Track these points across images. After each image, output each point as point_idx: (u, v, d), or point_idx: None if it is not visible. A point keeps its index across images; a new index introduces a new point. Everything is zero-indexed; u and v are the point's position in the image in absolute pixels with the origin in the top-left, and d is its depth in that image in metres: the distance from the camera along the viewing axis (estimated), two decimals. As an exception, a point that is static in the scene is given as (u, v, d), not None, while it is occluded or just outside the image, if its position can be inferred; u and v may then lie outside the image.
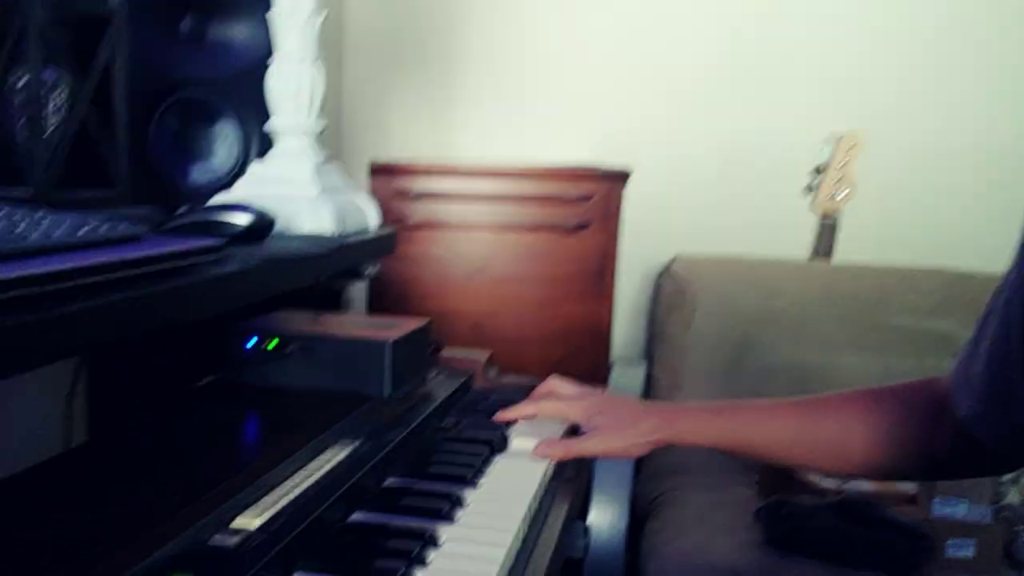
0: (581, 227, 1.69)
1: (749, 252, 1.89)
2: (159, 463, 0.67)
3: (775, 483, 1.42)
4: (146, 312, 0.49)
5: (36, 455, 0.68)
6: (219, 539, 0.54)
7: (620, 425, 0.83)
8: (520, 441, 0.86)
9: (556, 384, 0.92)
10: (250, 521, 0.56)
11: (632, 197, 1.72)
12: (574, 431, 0.89)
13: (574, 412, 0.87)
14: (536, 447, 0.83)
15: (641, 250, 1.95)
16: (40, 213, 0.56)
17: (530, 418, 0.91)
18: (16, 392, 0.94)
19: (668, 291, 1.87)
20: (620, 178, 1.70)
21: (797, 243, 1.77)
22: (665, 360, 1.82)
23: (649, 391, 1.81)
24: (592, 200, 1.69)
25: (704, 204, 1.98)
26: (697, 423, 0.83)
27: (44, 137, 0.76)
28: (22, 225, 0.50)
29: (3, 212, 0.54)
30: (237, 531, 0.55)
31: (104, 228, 0.54)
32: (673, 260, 1.90)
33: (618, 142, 1.96)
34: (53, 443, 0.93)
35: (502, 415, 0.90)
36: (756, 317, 1.77)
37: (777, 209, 1.90)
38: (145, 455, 0.69)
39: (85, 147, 0.82)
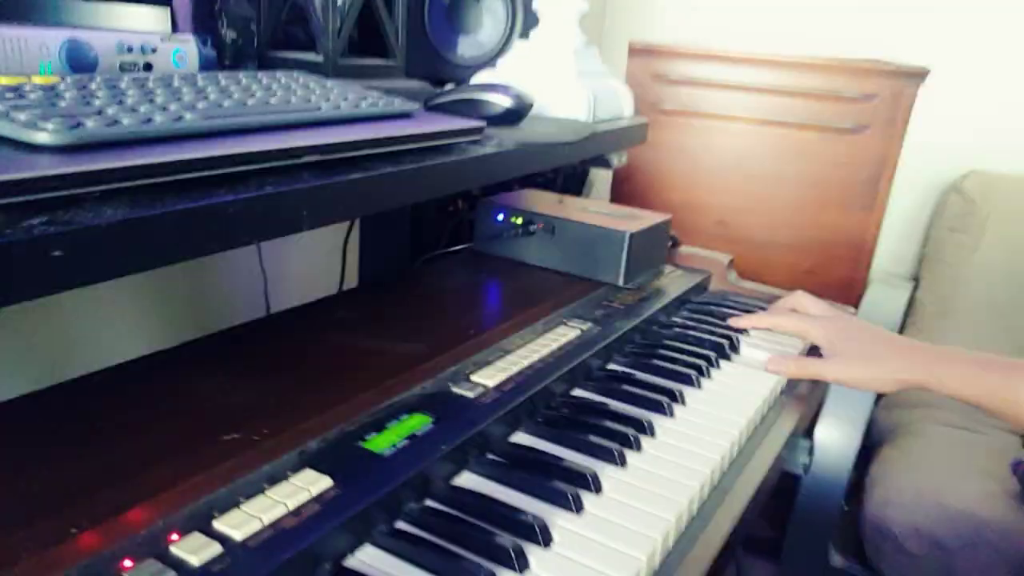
0: (859, 129, 1.53)
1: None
2: (413, 313, 0.75)
3: (1046, 439, 1.25)
4: (413, 184, 0.54)
5: (316, 292, 0.79)
6: (460, 390, 0.60)
7: (867, 355, 0.76)
8: (751, 351, 0.84)
9: (802, 299, 0.86)
10: (487, 379, 0.62)
11: (925, 98, 1.51)
12: (813, 353, 0.84)
13: (817, 332, 0.80)
14: (769, 360, 0.80)
15: (926, 160, 1.73)
16: (330, 84, 0.62)
17: (767, 329, 0.87)
18: (306, 236, 1.09)
19: (954, 209, 1.66)
20: (914, 77, 1.49)
21: None
22: (936, 286, 1.64)
23: (908, 317, 1.65)
24: (876, 100, 1.51)
25: (1009, 115, 1.69)
26: (962, 372, 0.73)
27: (335, 8, 0.84)
28: (315, 95, 0.57)
29: (300, 82, 0.61)
30: (475, 385, 0.61)
31: (382, 103, 0.59)
32: (966, 175, 1.66)
33: (913, 34, 1.71)
34: (330, 285, 1.08)
35: (737, 321, 0.87)
36: (1061, 250, 1.52)
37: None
38: (402, 304, 0.78)
39: (370, 18, 0.89)
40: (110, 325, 0.84)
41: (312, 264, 1.12)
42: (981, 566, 1.14)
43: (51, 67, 0.59)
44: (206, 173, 0.40)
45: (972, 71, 1.68)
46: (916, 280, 1.72)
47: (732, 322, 0.87)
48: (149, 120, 0.40)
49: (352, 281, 1.10)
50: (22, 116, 0.36)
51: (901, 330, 1.63)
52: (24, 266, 0.31)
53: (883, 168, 1.54)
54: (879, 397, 1.57)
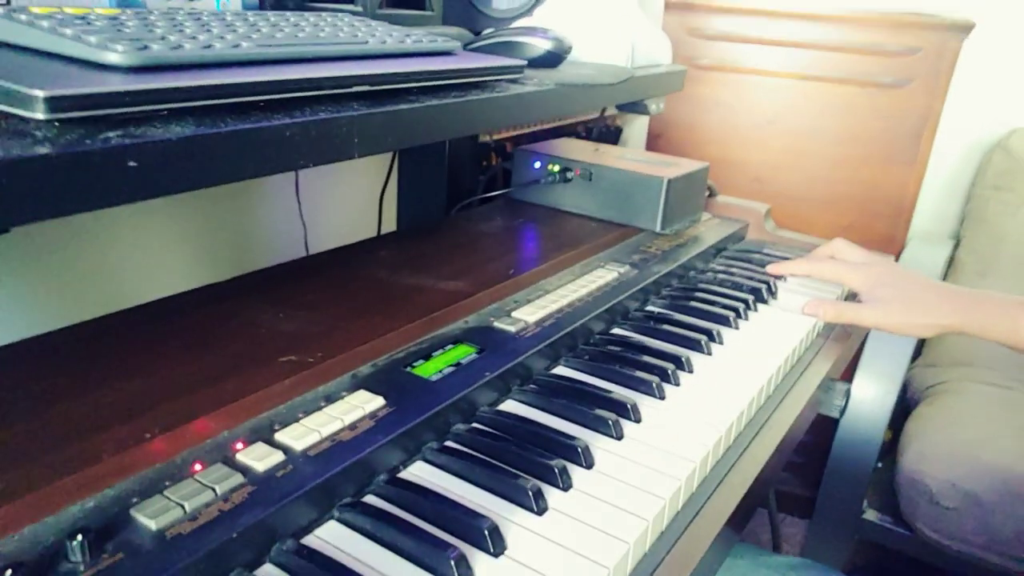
0: (901, 83, 1.50)
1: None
2: (453, 255, 0.77)
3: (1087, 395, 1.24)
4: (456, 118, 0.55)
5: (357, 235, 0.81)
6: (502, 324, 0.62)
7: (906, 300, 0.75)
8: (789, 296, 0.84)
9: (841, 246, 0.85)
10: (528, 315, 0.64)
11: (969, 54, 1.47)
12: (851, 300, 0.84)
13: (856, 279, 0.79)
14: (807, 304, 0.80)
15: (970, 116, 1.69)
16: (374, 23, 0.63)
17: (805, 276, 0.87)
18: (344, 183, 1.11)
19: (998, 167, 1.62)
20: (959, 30, 1.46)
21: None
22: (977, 244, 1.61)
23: (948, 276, 1.63)
24: (919, 54, 1.48)
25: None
26: (1002, 315, 0.71)
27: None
28: (361, 31, 0.58)
29: (346, 20, 0.62)
30: (516, 321, 0.63)
31: (426, 40, 0.60)
32: (1013, 132, 1.62)
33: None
34: (368, 235, 1.10)
35: (775, 268, 0.87)
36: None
37: None
38: (442, 247, 0.79)
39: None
40: (155, 263, 0.87)
41: (350, 214, 1.14)
42: (1018, 520, 1.14)
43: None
44: (264, 97, 0.42)
45: (1018, 25, 1.63)
46: (957, 239, 1.69)
47: (770, 269, 0.87)
48: (209, 46, 0.42)
49: (390, 230, 1.11)
50: (92, 39, 0.38)
51: (940, 289, 1.61)
52: (103, 175, 0.33)
53: (925, 124, 1.51)
54: (917, 353, 1.57)
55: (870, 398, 1.31)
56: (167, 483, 0.40)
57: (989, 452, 1.19)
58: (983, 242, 1.61)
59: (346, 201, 1.12)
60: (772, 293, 0.85)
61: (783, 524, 1.68)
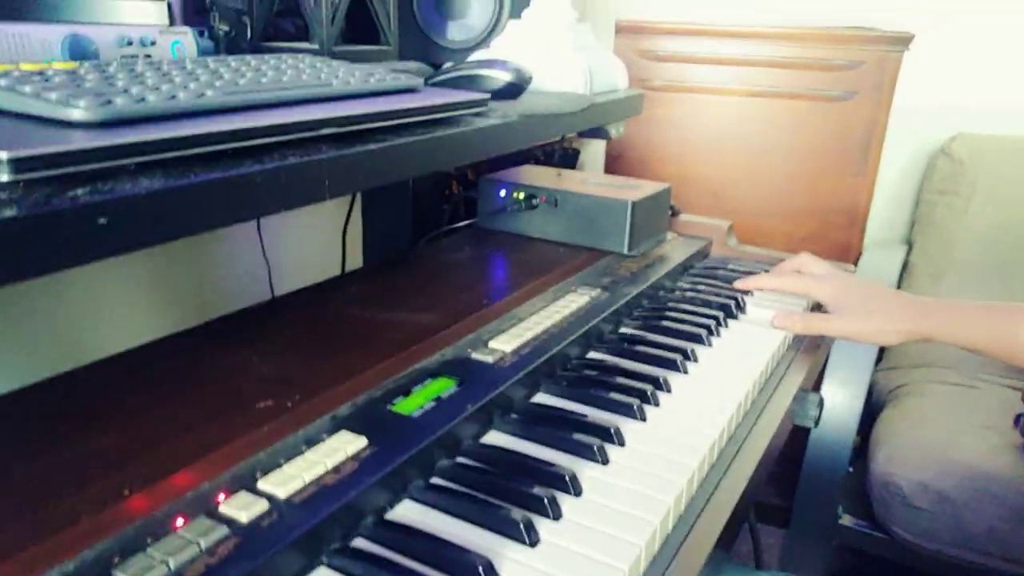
0: (847, 96, 1.55)
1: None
2: (424, 288, 0.77)
3: (1045, 389, 1.28)
4: (425, 155, 0.55)
5: (320, 277, 0.81)
6: (479, 355, 0.62)
7: (871, 309, 0.77)
8: (757, 311, 0.86)
9: (806, 260, 0.87)
10: (505, 345, 0.64)
11: (910, 64, 1.53)
12: (818, 311, 0.86)
13: (823, 290, 0.81)
14: (775, 316, 0.81)
15: (914, 125, 1.75)
16: (335, 63, 0.63)
17: (772, 290, 0.88)
18: (306, 220, 1.10)
19: (943, 172, 1.68)
20: (899, 42, 1.51)
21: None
22: (929, 248, 1.66)
23: (903, 280, 1.67)
24: (863, 67, 1.53)
25: (993, 77, 1.71)
26: (964, 319, 0.74)
27: (328, -2, 0.85)
28: (324, 73, 0.58)
29: (307, 62, 0.62)
30: (493, 351, 0.63)
31: (389, 78, 0.60)
32: (954, 138, 1.68)
33: (898, 2, 1.72)
34: (333, 270, 1.09)
35: (743, 283, 0.88)
36: (1049, 208, 1.54)
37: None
38: (413, 280, 0.79)
39: (358, 6, 0.90)
40: (114, 314, 0.85)
41: (314, 250, 1.13)
42: (987, 517, 1.16)
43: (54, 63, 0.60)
44: (232, 145, 0.41)
45: (955, 35, 1.70)
46: (909, 244, 1.74)
47: (738, 284, 0.88)
48: (173, 97, 0.41)
49: (355, 265, 1.11)
50: (53, 95, 0.37)
51: (897, 293, 1.65)
52: (73, 233, 0.32)
53: (872, 134, 1.56)
54: (880, 358, 1.60)
55: (838, 404, 1.33)
56: (149, 540, 0.39)
57: (955, 451, 1.22)
58: (934, 245, 1.66)
59: (309, 238, 1.11)
60: (741, 308, 0.86)
61: (764, 535, 1.69)
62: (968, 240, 1.61)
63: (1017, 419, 1.24)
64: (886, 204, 1.83)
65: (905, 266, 1.69)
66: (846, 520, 1.36)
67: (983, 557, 1.18)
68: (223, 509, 0.42)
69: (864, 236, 1.64)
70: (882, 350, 1.61)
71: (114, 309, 0.85)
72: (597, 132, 0.91)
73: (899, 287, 1.66)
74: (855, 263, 1.60)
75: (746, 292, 0.89)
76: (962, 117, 1.73)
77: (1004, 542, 1.15)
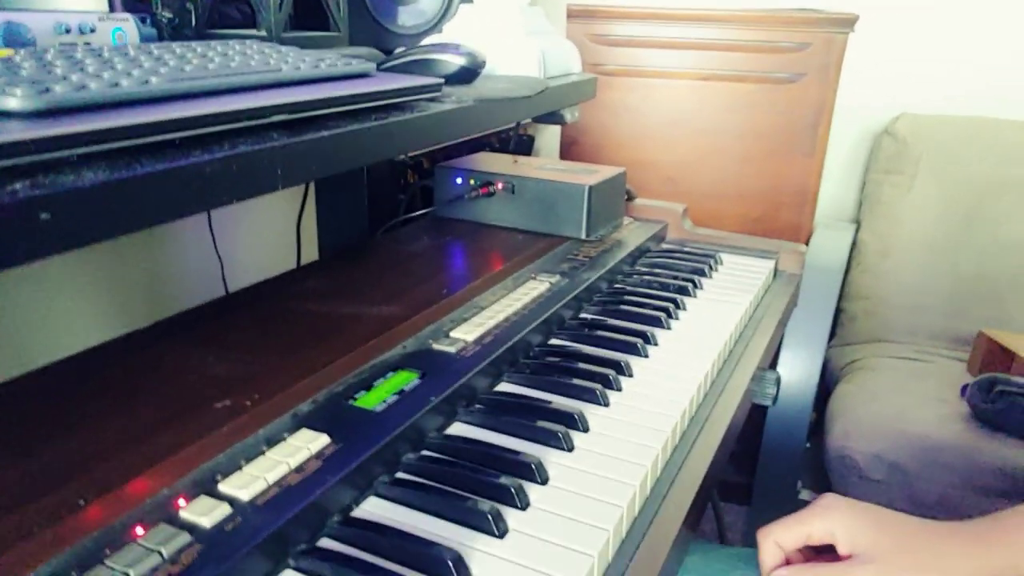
0: (795, 78, 1.57)
1: (986, 114, 1.67)
2: (382, 279, 0.75)
3: (989, 359, 1.32)
4: (379, 141, 0.54)
5: (275, 271, 0.79)
6: (441, 346, 0.61)
7: (915, 556, 0.54)
8: (716, 291, 0.87)
9: (837, 522, 0.57)
10: (466, 334, 0.63)
11: (855, 46, 1.56)
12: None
13: (838, 530, 0.56)
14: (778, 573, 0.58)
15: (860, 106, 1.79)
16: (284, 49, 0.61)
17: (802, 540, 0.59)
18: (259, 213, 1.07)
19: (888, 152, 1.72)
20: (844, 23, 1.54)
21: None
22: (876, 226, 1.70)
23: (853, 258, 1.71)
24: (809, 48, 1.55)
25: (937, 58, 1.75)
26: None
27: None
28: (273, 58, 0.56)
29: (255, 48, 0.60)
30: (455, 341, 0.62)
31: (340, 64, 0.59)
32: (897, 118, 1.72)
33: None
34: (288, 264, 1.07)
35: (764, 541, 0.60)
36: (988, 185, 1.59)
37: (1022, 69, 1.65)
38: (370, 271, 0.78)
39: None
40: (64, 316, 0.82)
41: (268, 243, 1.11)
42: (939, 485, 1.20)
43: (-12, 51, 0.57)
44: (180, 134, 0.40)
45: (897, 17, 1.74)
46: (858, 222, 1.78)
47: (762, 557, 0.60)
48: (116, 84, 0.40)
49: (311, 258, 1.09)
50: (-14, 85, 0.35)
51: (847, 272, 1.69)
52: (14, 229, 0.31)
53: (820, 115, 1.58)
54: (832, 334, 1.64)
55: (795, 381, 1.36)
56: (108, 551, 0.37)
57: (907, 422, 1.25)
58: (881, 224, 1.70)
59: (263, 231, 1.09)
60: (699, 287, 0.87)
61: (727, 513, 1.72)
62: (914, 217, 1.65)
63: (963, 389, 1.28)
64: (835, 184, 1.87)
65: (854, 244, 1.72)
66: (805, 495, 1.39)
67: (935, 524, 1.22)
68: (184, 515, 0.40)
69: (814, 216, 1.67)
70: (835, 324, 1.65)
71: (61, 310, 0.82)
72: (552, 117, 0.90)
73: (849, 265, 1.70)
74: (806, 243, 1.63)
75: (703, 263, 0.87)
76: (905, 97, 1.77)
77: (955, 509, 1.19)
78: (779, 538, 0.59)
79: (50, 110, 0.35)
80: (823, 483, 1.35)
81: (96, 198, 0.34)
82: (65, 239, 0.33)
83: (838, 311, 1.67)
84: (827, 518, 0.56)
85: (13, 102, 0.34)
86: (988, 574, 0.52)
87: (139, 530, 0.39)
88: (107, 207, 0.35)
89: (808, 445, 1.41)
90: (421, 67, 0.73)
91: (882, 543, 0.54)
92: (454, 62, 0.72)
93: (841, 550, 0.56)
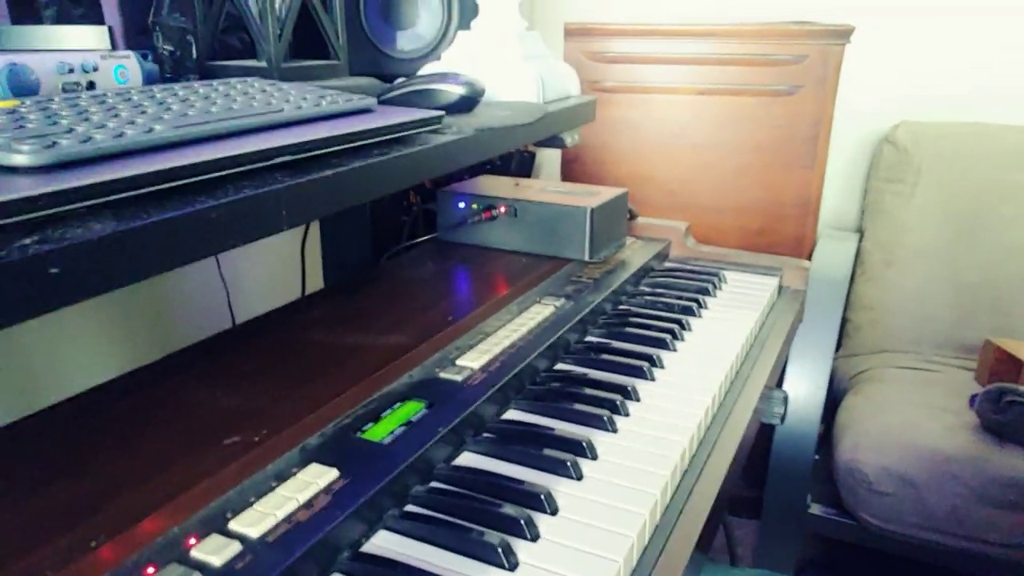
0: (793, 90, 1.58)
1: (985, 119, 1.67)
2: (388, 306, 0.76)
3: (997, 368, 1.32)
4: (383, 176, 0.55)
5: (280, 300, 0.79)
6: (447, 374, 0.61)
7: None
8: (721, 310, 0.87)
9: None
10: (472, 362, 0.63)
11: (853, 57, 1.56)
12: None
13: None
14: None
15: (859, 116, 1.79)
16: (285, 86, 0.62)
17: None
18: (260, 246, 1.08)
19: (889, 160, 1.72)
20: (841, 35, 1.55)
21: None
22: (880, 235, 1.70)
23: (857, 268, 1.71)
24: (806, 60, 1.56)
25: (935, 66, 1.76)
26: None
27: (274, 14, 0.84)
28: (274, 98, 0.57)
29: (256, 87, 0.61)
30: (461, 369, 0.62)
31: (341, 100, 0.59)
32: (897, 126, 1.73)
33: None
34: (293, 292, 1.08)
35: None
36: (990, 191, 1.59)
37: (1022, 71, 1.65)
38: (376, 299, 0.78)
39: (309, 21, 0.89)
40: (72, 350, 0.83)
41: (273, 272, 1.12)
42: (949, 497, 1.20)
43: (-7, 94, 0.58)
44: (185, 181, 0.40)
45: (894, 27, 1.75)
46: (861, 232, 1.78)
47: None
48: (121, 134, 0.40)
49: (316, 286, 1.09)
50: (-5, 139, 0.36)
51: (852, 281, 1.69)
52: (24, 285, 0.31)
53: (819, 126, 1.59)
54: (839, 345, 1.63)
55: (802, 394, 1.35)
56: (119, 596, 0.38)
57: (916, 434, 1.25)
58: (884, 233, 1.70)
59: (268, 259, 1.09)
60: (704, 307, 0.87)
61: (736, 527, 1.71)
62: (917, 225, 1.65)
63: (972, 399, 1.28)
64: (836, 194, 1.87)
65: (858, 254, 1.72)
66: (815, 509, 1.38)
67: (946, 537, 1.21)
68: (195, 554, 0.41)
69: (817, 227, 1.67)
70: (841, 335, 1.65)
71: (70, 347, 0.83)
72: (552, 141, 0.91)
73: (853, 275, 1.70)
74: (809, 254, 1.63)
75: (701, 289, 0.88)
76: (904, 106, 1.78)
77: (965, 521, 1.18)
78: None
79: (57, 164, 0.36)
80: (832, 495, 1.34)
81: (104, 249, 0.34)
82: (74, 292, 0.33)
83: (844, 321, 1.67)
84: None
85: (20, 158, 0.35)
86: None
87: (151, 570, 0.39)
88: (115, 257, 0.35)
89: (817, 457, 1.41)
90: (421, 97, 0.73)
91: None
92: (454, 92, 0.73)
93: None
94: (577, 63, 1.65)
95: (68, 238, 0.33)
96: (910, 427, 1.27)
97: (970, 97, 1.74)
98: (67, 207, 0.34)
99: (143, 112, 0.45)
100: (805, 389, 1.37)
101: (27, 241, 0.32)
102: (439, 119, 0.63)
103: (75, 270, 0.33)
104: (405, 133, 0.59)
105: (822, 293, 1.53)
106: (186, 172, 0.40)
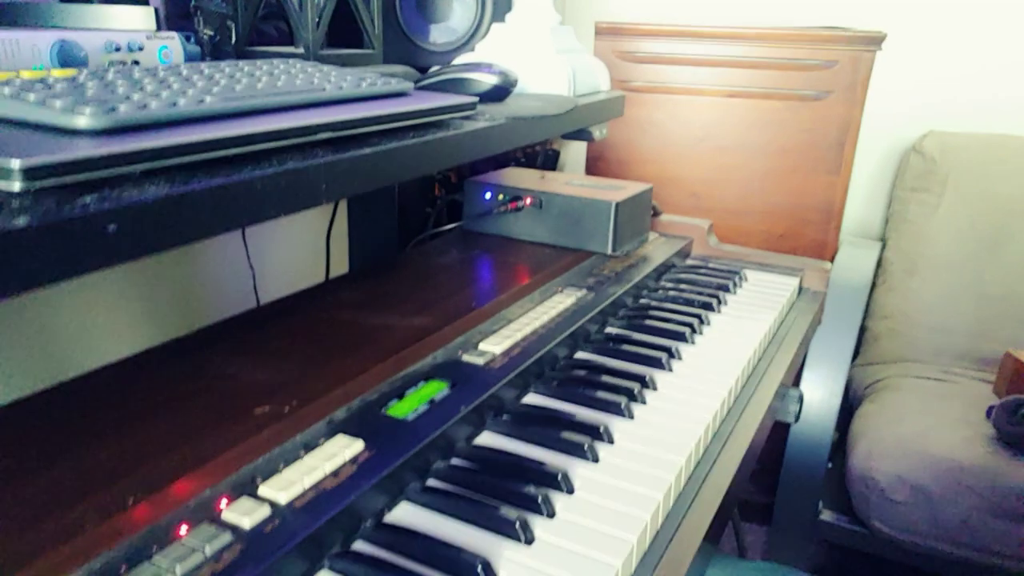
0: (822, 96, 1.58)
1: (1015, 132, 1.66)
2: (413, 291, 0.77)
3: (1015, 381, 1.31)
4: (418, 158, 0.56)
5: (305, 284, 0.81)
6: (470, 357, 0.63)
7: None
8: (739, 307, 0.87)
9: None
10: (495, 346, 0.65)
11: (882, 64, 1.56)
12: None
13: None
14: None
15: (887, 123, 1.79)
16: (326, 68, 0.64)
17: None
18: (290, 225, 1.10)
19: (915, 170, 1.71)
20: (872, 42, 1.54)
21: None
22: (902, 244, 1.70)
23: (878, 276, 1.71)
24: (836, 66, 1.56)
25: (965, 76, 1.75)
26: None
27: (313, 1, 0.86)
28: (316, 78, 0.58)
29: (298, 67, 0.62)
30: (484, 352, 0.64)
31: (380, 83, 0.61)
32: (925, 136, 1.72)
33: (870, 1, 1.76)
34: (318, 276, 1.10)
35: None
36: (1016, 204, 1.58)
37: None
38: (402, 283, 0.80)
39: (346, 11, 0.91)
40: (102, 326, 0.85)
41: (299, 256, 1.14)
42: (963, 508, 1.19)
43: (43, 68, 0.60)
44: (234, 151, 0.42)
45: (925, 35, 1.74)
46: (884, 240, 1.78)
47: None
48: (175, 104, 0.42)
49: (340, 271, 1.11)
50: (58, 103, 0.38)
51: (872, 290, 1.69)
52: (84, 241, 0.33)
53: (847, 133, 1.59)
54: (856, 353, 1.63)
55: (817, 400, 1.36)
56: (155, 548, 0.39)
57: (931, 444, 1.24)
58: (907, 242, 1.70)
59: (294, 244, 1.11)
60: (723, 304, 0.88)
61: (747, 532, 1.71)
62: (940, 236, 1.65)
63: (989, 411, 1.27)
64: (860, 202, 1.86)
65: (880, 263, 1.72)
66: (826, 515, 1.39)
67: (958, 548, 1.21)
68: (226, 516, 0.42)
69: (839, 233, 1.67)
70: (859, 343, 1.64)
71: (99, 321, 0.85)
72: (581, 134, 0.92)
73: (874, 283, 1.69)
74: (831, 260, 1.63)
75: (721, 286, 0.87)
76: (933, 115, 1.77)
77: (978, 533, 1.18)
78: None
79: (116, 128, 0.38)
80: (844, 503, 1.34)
81: (157, 212, 0.36)
82: (130, 249, 0.35)
83: (862, 329, 1.67)
84: None
85: (83, 120, 0.37)
86: None
87: (184, 528, 0.41)
88: (167, 220, 0.37)
89: (830, 465, 1.41)
90: (455, 85, 0.75)
91: None
92: (487, 81, 0.74)
93: None
94: (606, 62, 1.66)
95: (125, 198, 0.35)
96: (925, 437, 1.27)
97: (1000, 108, 1.73)
98: (125, 169, 0.36)
99: (193, 86, 0.47)
100: (820, 395, 1.37)
101: (87, 200, 0.34)
102: (473, 105, 0.64)
103: (131, 229, 0.35)
104: (440, 117, 0.60)
105: (842, 300, 1.53)
106: (235, 142, 0.41)
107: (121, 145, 0.36)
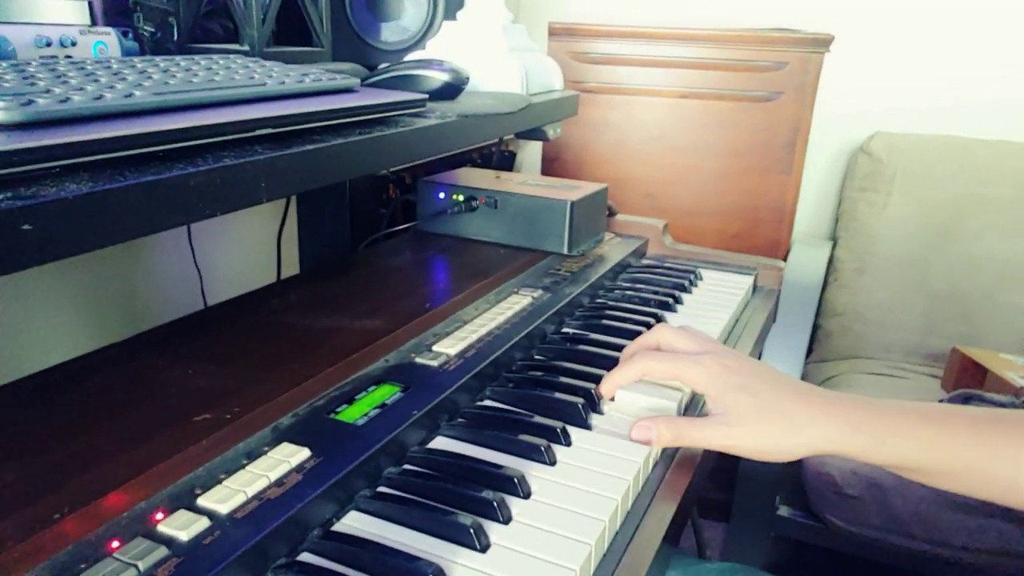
0: (772, 97, 1.60)
1: (959, 133, 1.71)
2: (365, 292, 0.75)
3: (962, 375, 1.34)
4: (363, 155, 0.54)
5: (255, 286, 0.78)
6: (423, 359, 0.61)
7: (769, 412, 0.56)
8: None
9: (666, 334, 0.63)
10: (449, 348, 0.63)
11: (831, 66, 1.59)
12: (691, 411, 0.66)
13: (700, 376, 0.58)
14: (634, 427, 0.58)
15: (836, 125, 1.82)
16: (268, 64, 0.62)
17: (633, 382, 0.63)
18: (239, 226, 1.07)
19: (863, 170, 1.74)
20: (820, 44, 1.57)
21: (1017, 127, 1.56)
22: (852, 243, 1.73)
23: (829, 275, 1.73)
24: (786, 68, 1.58)
25: (911, 77, 1.79)
26: (892, 427, 0.55)
27: (258, -1, 0.83)
28: (257, 73, 0.56)
29: (239, 62, 0.60)
30: (438, 355, 0.62)
31: (324, 78, 0.59)
32: (872, 136, 1.75)
33: (818, 4, 1.79)
34: (268, 278, 1.07)
35: (604, 385, 0.63)
36: (961, 203, 1.62)
37: (996, 87, 1.69)
38: (353, 285, 0.78)
39: (292, 8, 0.89)
40: (42, 329, 0.81)
41: (248, 257, 1.11)
42: (913, 501, 1.22)
43: (-33, 62, 0.57)
44: (164, 147, 0.40)
45: (872, 39, 1.78)
46: (834, 239, 1.81)
47: (599, 389, 0.63)
48: (100, 97, 0.40)
49: (291, 272, 1.08)
50: (-32, 95, 0.35)
51: (824, 287, 1.71)
52: (-6, 240, 0.31)
53: (797, 133, 1.61)
54: (810, 350, 1.65)
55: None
56: (83, 565, 0.37)
57: (884, 437, 1.26)
58: (857, 241, 1.73)
59: (243, 245, 1.08)
60: (680, 302, 0.87)
61: (706, 530, 1.72)
62: (889, 234, 1.68)
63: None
64: (811, 202, 1.89)
65: (831, 261, 1.75)
66: (783, 511, 1.40)
67: (911, 540, 1.23)
68: (162, 528, 0.40)
69: (792, 233, 1.69)
70: (812, 340, 1.67)
71: (39, 323, 0.82)
72: (535, 133, 0.91)
73: (826, 282, 1.72)
74: (784, 259, 1.65)
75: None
76: (880, 116, 1.81)
77: (929, 524, 1.20)
78: (649, 368, 0.61)
79: (33, 122, 0.35)
80: (800, 498, 1.36)
81: (78, 210, 0.34)
82: (46, 250, 0.33)
83: (815, 327, 1.70)
84: (701, 371, 0.58)
85: (-4, 113, 0.34)
86: (829, 444, 0.55)
87: (115, 544, 0.38)
88: (89, 218, 0.35)
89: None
90: (405, 83, 0.73)
91: (743, 408, 0.56)
92: (438, 78, 0.73)
93: (708, 404, 0.60)
94: (560, 62, 1.66)
95: (42, 196, 0.32)
96: (878, 431, 1.28)
97: (945, 110, 1.77)
98: (42, 165, 0.34)
99: (123, 79, 0.44)
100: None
101: (0, 197, 0.31)
102: (422, 102, 0.63)
103: (48, 228, 0.32)
104: (387, 114, 0.58)
105: (795, 298, 1.55)
106: (165, 138, 0.39)
107: (37, 139, 0.33)
